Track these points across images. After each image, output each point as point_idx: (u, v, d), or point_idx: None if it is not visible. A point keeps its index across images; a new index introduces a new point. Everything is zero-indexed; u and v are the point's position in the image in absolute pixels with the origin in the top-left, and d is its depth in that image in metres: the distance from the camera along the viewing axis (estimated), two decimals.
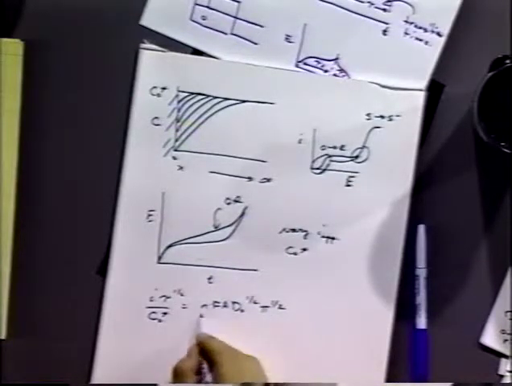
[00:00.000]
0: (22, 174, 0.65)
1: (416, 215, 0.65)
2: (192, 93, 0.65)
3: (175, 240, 0.65)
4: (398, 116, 0.65)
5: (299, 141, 0.65)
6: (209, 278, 0.65)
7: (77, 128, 0.66)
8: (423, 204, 0.65)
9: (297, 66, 0.65)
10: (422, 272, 0.65)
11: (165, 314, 0.65)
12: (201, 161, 0.65)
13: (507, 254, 0.65)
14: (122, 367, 0.65)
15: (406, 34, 0.65)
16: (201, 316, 0.65)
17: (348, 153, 0.65)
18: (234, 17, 0.65)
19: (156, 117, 0.65)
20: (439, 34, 0.65)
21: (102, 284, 0.65)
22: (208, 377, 0.62)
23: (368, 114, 0.65)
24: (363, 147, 0.65)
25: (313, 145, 0.65)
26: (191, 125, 0.65)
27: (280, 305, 0.66)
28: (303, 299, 0.65)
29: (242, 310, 0.66)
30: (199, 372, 0.63)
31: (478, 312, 0.66)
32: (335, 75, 0.65)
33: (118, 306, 0.65)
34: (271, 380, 0.62)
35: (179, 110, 0.65)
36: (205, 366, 0.63)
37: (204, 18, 0.65)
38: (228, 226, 0.65)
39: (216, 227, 0.65)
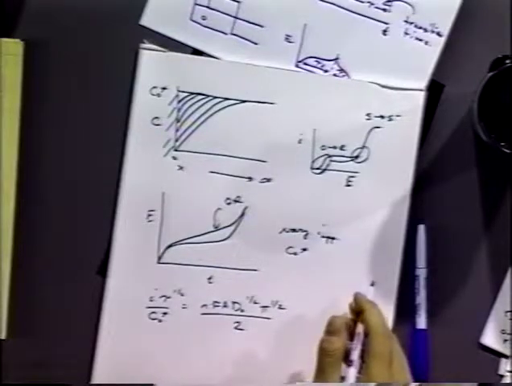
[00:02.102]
0: (22, 174, 0.65)
1: (416, 215, 0.65)
2: (192, 93, 0.65)
3: (175, 240, 0.65)
4: (398, 116, 0.65)
5: (299, 141, 0.65)
6: (209, 278, 0.65)
7: (77, 128, 0.66)
8: (423, 204, 0.65)
9: (297, 66, 0.65)
10: (422, 272, 0.65)
11: (165, 314, 0.65)
12: (201, 161, 0.65)
13: (507, 254, 0.65)
14: (122, 367, 0.65)
15: (406, 34, 0.65)
16: None
17: (348, 154, 0.65)
18: (234, 17, 0.65)
19: (156, 117, 0.65)
20: (439, 34, 0.65)
21: (102, 284, 0.65)
22: (355, 354, 0.58)
23: (368, 114, 0.65)
24: (363, 147, 0.65)
25: (313, 145, 0.65)
26: (191, 125, 0.65)
27: (280, 305, 0.66)
28: (303, 299, 0.65)
29: (242, 310, 0.66)
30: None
31: (478, 312, 0.66)
32: (335, 75, 0.65)
33: (118, 306, 0.65)
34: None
35: (179, 110, 0.65)
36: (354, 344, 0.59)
37: (204, 18, 0.65)
38: (228, 226, 0.65)
39: (216, 228, 0.65)
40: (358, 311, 0.61)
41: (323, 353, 0.58)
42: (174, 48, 0.65)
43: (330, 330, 0.59)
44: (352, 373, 0.57)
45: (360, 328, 0.59)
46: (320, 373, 0.58)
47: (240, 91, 0.65)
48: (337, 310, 0.64)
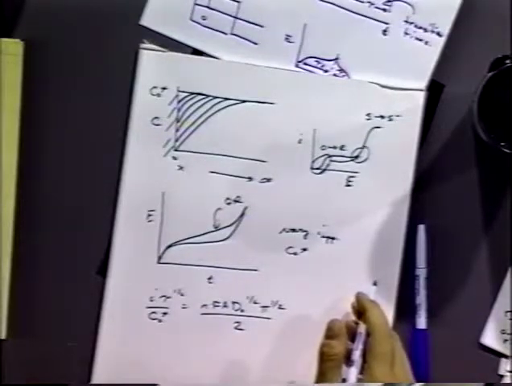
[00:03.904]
0: (22, 174, 0.65)
1: (416, 215, 0.65)
2: (192, 93, 0.65)
3: (175, 240, 0.65)
4: (398, 116, 0.65)
5: (299, 141, 0.65)
6: (209, 278, 0.65)
7: (77, 128, 0.66)
8: (423, 204, 0.65)
9: (297, 66, 0.65)
10: (422, 272, 0.65)
11: (165, 314, 0.65)
12: (201, 161, 0.65)
13: (507, 254, 0.65)
14: (122, 367, 0.65)
15: (406, 34, 0.65)
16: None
17: (348, 154, 0.65)
18: (234, 17, 0.65)
19: (156, 117, 0.65)
20: (439, 34, 0.65)
21: (102, 284, 0.65)
22: (356, 354, 0.58)
23: (368, 114, 0.65)
24: (363, 147, 0.65)
25: (313, 145, 0.65)
26: (191, 125, 0.65)
27: (280, 305, 0.66)
28: (303, 299, 0.65)
29: (242, 310, 0.66)
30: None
31: (478, 312, 0.66)
32: (335, 75, 0.65)
33: (118, 306, 0.65)
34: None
35: (179, 110, 0.65)
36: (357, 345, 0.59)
37: (204, 18, 0.65)
38: (228, 226, 0.65)
39: (216, 228, 0.65)
40: (360, 311, 0.61)
41: (324, 357, 0.58)
42: (174, 48, 0.65)
43: (330, 334, 0.60)
44: (353, 373, 0.57)
45: (361, 328, 0.59)
46: (322, 377, 0.58)
47: (240, 91, 0.65)
48: (337, 310, 0.64)
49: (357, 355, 0.58)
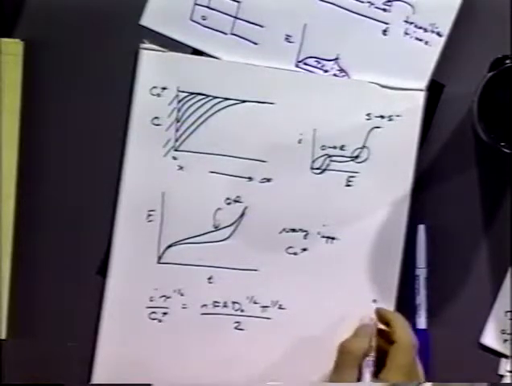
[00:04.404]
0: (22, 174, 0.65)
1: (416, 215, 0.65)
2: (192, 93, 0.65)
3: (175, 240, 0.65)
4: (398, 116, 0.65)
5: (299, 141, 0.65)
6: (209, 278, 0.65)
7: (77, 128, 0.66)
8: (423, 204, 0.65)
9: (297, 66, 0.65)
10: (422, 272, 0.65)
11: (165, 314, 0.65)
12: (201, 161, 0.65)
13: (507, 254, 0.65)
14: (122, 367, 0.65)
15: (406, 34, 0.65)
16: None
17: (348, 154, 0.65)
18: (234, 17, 0.65)
19: (156, 117, 0.65)
20: (439, 34, 0.65)
21: (102, 284, 0.65)
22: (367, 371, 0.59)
23: (368, 114, 0.65)
24: (363, 147, 0.65)
25: (313, 145, 0.65)
26: (191, 125, 0.65)
27: (280, 305, 0.66)
28: (303, 299, 0.65)
29: (242, 310, 0.66)
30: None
31: (478, 312, 0.66)
32: (335, 75, 0.65)
33: (118, 306, 0.65)
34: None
35: (179, 110, 0.65)
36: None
37: (204, 18, 0.65)
38: (228, 226, 0.65)
39: (216, 227, 0.65)
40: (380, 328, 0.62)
41: (341, 351, 0.60)
42: (174, 48, 0.65)
43: (356, 333, 0.62)
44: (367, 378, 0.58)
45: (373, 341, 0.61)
46: (337, 371, 0.59)
47: (240, 91, 0.65)
48: (337, 310, 0.64)
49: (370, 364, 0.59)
